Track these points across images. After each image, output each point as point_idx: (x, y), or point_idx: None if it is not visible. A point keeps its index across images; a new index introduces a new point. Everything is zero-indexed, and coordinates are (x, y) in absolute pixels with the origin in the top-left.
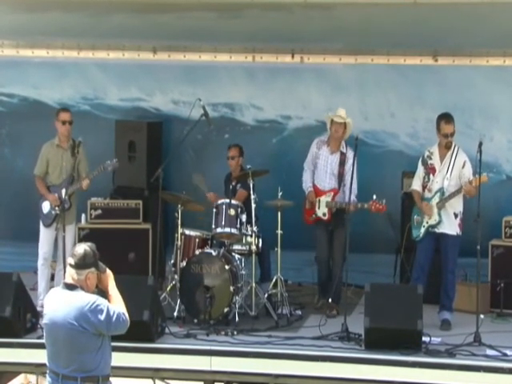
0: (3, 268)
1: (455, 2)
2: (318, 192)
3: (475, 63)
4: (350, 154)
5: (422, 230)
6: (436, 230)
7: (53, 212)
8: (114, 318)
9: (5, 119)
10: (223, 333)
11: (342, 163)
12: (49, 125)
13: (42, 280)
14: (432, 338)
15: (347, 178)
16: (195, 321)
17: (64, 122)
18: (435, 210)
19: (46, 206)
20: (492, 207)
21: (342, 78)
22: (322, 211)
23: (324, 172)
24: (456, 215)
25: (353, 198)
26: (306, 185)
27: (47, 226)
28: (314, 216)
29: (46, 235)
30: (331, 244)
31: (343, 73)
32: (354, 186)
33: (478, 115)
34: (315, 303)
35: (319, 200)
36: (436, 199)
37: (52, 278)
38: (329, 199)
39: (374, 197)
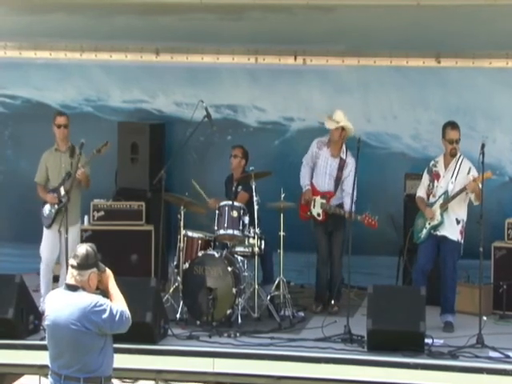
0: (6, 270)
1: (458, 4)
2: (314, 191)
3: (478, 65)
4: (350, 160)
5: (424, 231)
6: (438, 233)
7: (52, 211)
8: (117, 317)
9: (7, 121)
10: (226, 334)
11: (341, 168)
12: (51, 126)
13: (44, 283)
14: (435, 340)
15: (345, 183)
16: (198, 322)
17: (59, 126)
18: (438, 212)
19: (46, 209)
20: (495, 209)
21: (345, 80)
22: (316, 211)
23: (323, 173)
24: (458, 221)
25: (352, 204)
26: (304, 182)
27: (48, 226)
28: (308, 213)
29: (48, 238)
30: (331, 246)
31: (346, 75)
32: (355, 192)
33: (481, 117)
34: (314, 309)
35: (315, 199)
36: (440, 201)
37: (56, 279)
38: (324, 201)
39: (368, 211)
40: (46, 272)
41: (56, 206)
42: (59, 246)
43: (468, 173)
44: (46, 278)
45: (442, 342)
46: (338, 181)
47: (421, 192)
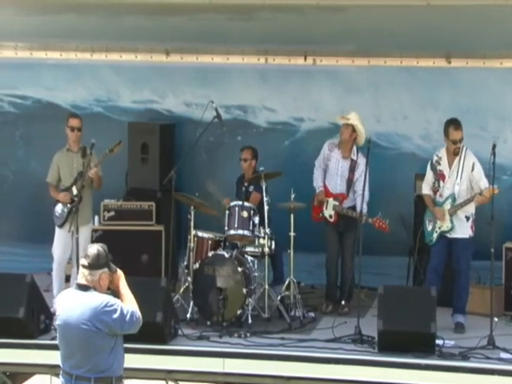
0: (17, 269)
1: (468, 4)
2: (327, 193)
3: (489, 65)
4: (361, 161)
5: (435, 235)
6: (448, 235)
7: (65, 210)
8: (127, 317)
9: (18, 121)
10: (236, 335)
11: (352, 169)
12: (62, 127)
13: (56, 282)
14: (446, 341)
15: (357, 184)
16: (208, 323)
17: (73, 129)
18: (447, 217)
19: (58, 208)
20: (506, 210)
21: (355, 80)
22: (328, 213)
23: (334, 175)
24: (468, 218)
25: (364, 206)
26: (317, 183)
27: (60, 225)
28: (320, 215)
29: (60, 238)
30: (341, 246)
31: (356, 75)
32: (366, 193)
33: (492, 117)
34: (324, 309)
35: (328, 201)
36: (448, 205)
37: (67, 279)
38: (336, 203)
39: (379, 214)
40: (59, 272)
41: (68, 206)
42: (71, 245)
43: (472, 170)
44: (58, 277)
45: (452, 343)
46: (350, 182)
47: (426, 189)
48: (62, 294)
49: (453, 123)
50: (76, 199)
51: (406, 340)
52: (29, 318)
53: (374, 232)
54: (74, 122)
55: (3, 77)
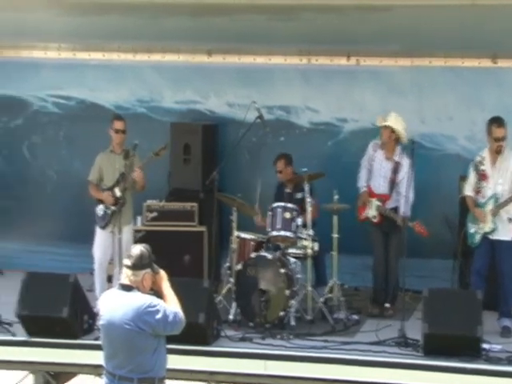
0: (60, 269)
1: None
2: (371, 193)
3: None
4: (405, 162)
5: (478, 236)
6: (490, 237)
7: (107, 211)
8: (170, 318)
9: (62, 121)
10: (279, 337)
11: (395, 171)
12: (105, 127)
13: (98, 283)
14: (492, 345)
15: (401, 185)
16: (251, 324)
17: (117, 131)
18: (489, 218)
19: (100, 209)
20: None
21: (399, 81)
22: (372, 213)
23: (378, 175)
24: (510, 219)
25: (407, 208)
26: (361, 183)
27: (103, 227)
28: (364, 215)
29: (101, 238)
30: (387, 247)
31: (399, 75)
32: (411, 195)
33: None
34: (369, 311)
35: (371, 201)
36: (490, 205)
37: (109, 279)
38: (380, 203)
39: (420, 219)
40: (100, 272)
41: (111, 208)
42: (112, 246)
43: None
44: (99, 277)
45: (499, 347)
46: (393, 183)
47: (468, 190)
48: (105, 294)
49: (496, 121)
50: (120, 201)
51: (452, 343)
52: (72, 317)
53: (418, 234)
54: (118, 125)
55: (47, 77)
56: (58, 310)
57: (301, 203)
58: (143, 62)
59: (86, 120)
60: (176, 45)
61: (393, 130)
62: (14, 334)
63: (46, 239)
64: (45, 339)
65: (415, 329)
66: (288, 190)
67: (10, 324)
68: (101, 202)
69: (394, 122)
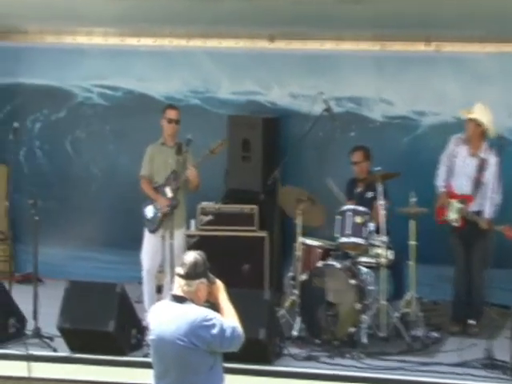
0: (106, 278)
1: None
2: (451, 194)
3: None
4: (493, 160)
5: None
6: None
7: (159, 214)
8: (227, 333)
9: (108, 114)
10: (349, 356)
11: (481, 169)
12: (155, 120)
13: (146, 293)
14: None
15: (486, 186)
16: (317, 341)
17: (170, 121)
18: None
19: (149, 211)
20: None
21: (484, 69)
22: (453, 216)
23: (460, 173)
24: None
25: (493, 211)
26: (439, 182)
27: (153, 231)
28: (444, 218)
29: (150, 243)
30: (470, 256)
31: (485, 62)
32: (498, 196)
33: None
34: (449, 328)
35: (452, 203)
36: None
37: (159, 290)
38: (462, 205)
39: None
40: (148, 280)
41: (163, 209)
42: (161, 252)
43: None
44: (148, 286)
45: None
46: (478, 183)
47: None
48: (155, 306)
49: None
50: (174, 203)
51: None
52: (119, 332)
53: (506, 241)
54: (171, 114)
55: (92, 66)
56: (104, 324)
57: (371, 203)
58: (197, 49)
59: (134, 112)
60: (234, 29)
61: (479, 124)
62: (54, 350)
63: (90, 244)
64: (88, 355)
65: (504, 349)
66: (359, 189)
67: (50, 338)
68: (151, 202)
69: (481, 114)
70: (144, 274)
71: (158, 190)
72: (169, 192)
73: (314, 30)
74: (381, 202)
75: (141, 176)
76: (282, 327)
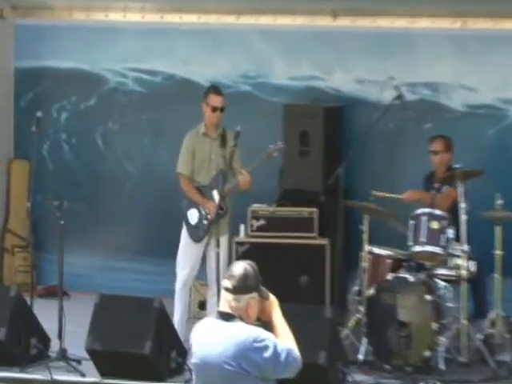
0: (141, 292)
1: None
2: None
3: None
4: None
5: None
6: None
7: (205, 222)
8: (282, 357)
9: (145, 102)
10: (424, 383)
11: None
12: (200, 109)
13: (178, 308)
14: None
15: None
16: (386, 367)
17: (215, 109)
18: None
19: (194, 215)
20: None
21: None
22: None
23: None
24: None
25: None
26: None
27: (198, 240)
28: None
29: (190, 251)
30: None
31: None
32: None
33: None
34: None
35: None
36: None
37: (202, 305)
38: None
39: None
40: (183, 293)
41: (212, 216)
42: (201, 261)
43: None
44: (181, 301)
45: None
46: None
47: None
48: (199, 325)
49: None
50: (222, 211)
51: None
52: (157, 354)
53: None
54: (216, 100)
55: (127, 46)
56: (139, 345)
57: None
58: (249, 27)
59: (175, 100)
60: (291, 4)
61: None
62: (82, 374)
63: (124, 252)
64: (121, 381)
65: None
66: (437, 185)
67: (78, 361)
68: (193, 203)
69: None
70: (179, 285)
71: (203, 191)
72: (216, 196)
73: (383, 4)
74: (462, 205)
75: (180, 174)
76: (346, 350)
